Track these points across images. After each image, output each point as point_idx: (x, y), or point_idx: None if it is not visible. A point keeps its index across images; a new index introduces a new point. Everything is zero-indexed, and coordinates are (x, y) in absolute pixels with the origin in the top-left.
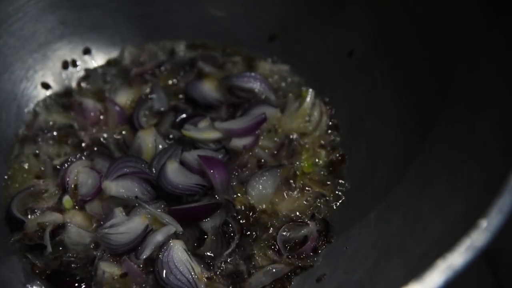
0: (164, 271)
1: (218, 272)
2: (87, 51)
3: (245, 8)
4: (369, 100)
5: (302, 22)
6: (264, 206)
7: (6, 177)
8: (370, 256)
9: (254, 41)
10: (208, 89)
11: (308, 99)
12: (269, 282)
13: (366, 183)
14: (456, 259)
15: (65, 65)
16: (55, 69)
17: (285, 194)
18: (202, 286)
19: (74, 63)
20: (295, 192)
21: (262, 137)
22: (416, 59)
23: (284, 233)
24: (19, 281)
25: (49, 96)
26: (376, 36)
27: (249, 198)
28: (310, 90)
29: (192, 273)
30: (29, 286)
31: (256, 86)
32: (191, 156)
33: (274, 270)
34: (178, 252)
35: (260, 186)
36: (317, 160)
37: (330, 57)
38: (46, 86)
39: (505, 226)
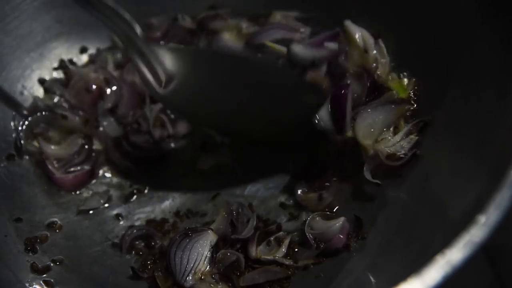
0: (180, 245)
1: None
2: (84, 50)
3: None
4: None
5: None
6: (367, 142)
7: None
8: (370, 252)
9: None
10: (229, 40)
11: (352, 31)
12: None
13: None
14: (454, 254)
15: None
16: (52, 68)
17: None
18: (191, 279)
19: (71, 62)
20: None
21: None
22: (415, 55)
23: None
24: (18, 280)
25: (47, 94)
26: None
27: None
28: (349, 21)
29: (195, 267)
30: (27, 284)
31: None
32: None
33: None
34: (205, 243)
35: (370, 119)
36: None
37: None
38: (43, 82)
39: (505, 221)
